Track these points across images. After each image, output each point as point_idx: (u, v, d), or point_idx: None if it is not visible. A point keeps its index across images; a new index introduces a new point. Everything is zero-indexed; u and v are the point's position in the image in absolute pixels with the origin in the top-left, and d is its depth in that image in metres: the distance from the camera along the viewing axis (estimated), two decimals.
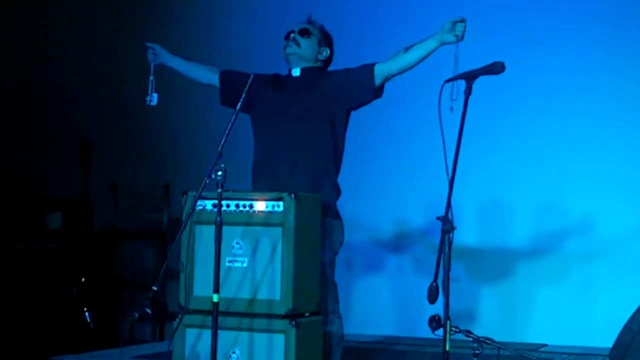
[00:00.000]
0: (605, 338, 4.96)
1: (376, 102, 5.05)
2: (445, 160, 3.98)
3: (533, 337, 6.61)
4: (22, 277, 7.45)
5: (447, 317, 3.91)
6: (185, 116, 7.97)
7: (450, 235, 3.95)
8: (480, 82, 4.12)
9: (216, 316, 4.18)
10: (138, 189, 8.22)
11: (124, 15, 8.47)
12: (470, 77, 4.10)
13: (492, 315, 6.74)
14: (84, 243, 7.90)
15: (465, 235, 6.39)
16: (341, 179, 5.05)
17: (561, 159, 6.74)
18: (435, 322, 3.93)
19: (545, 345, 6.50)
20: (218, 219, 4.21)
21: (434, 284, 3.90)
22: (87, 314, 7.43)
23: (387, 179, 7.25)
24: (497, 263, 6.86)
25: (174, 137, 8.17)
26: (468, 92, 4.06)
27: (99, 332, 7.42)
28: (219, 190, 4.21)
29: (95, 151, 8.07)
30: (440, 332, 3.94)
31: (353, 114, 5.08)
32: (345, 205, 5.04)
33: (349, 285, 6.81)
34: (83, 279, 7.59)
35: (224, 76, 5.26)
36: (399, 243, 7.19)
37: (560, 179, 6.72)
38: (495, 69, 4.17)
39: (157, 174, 8.17)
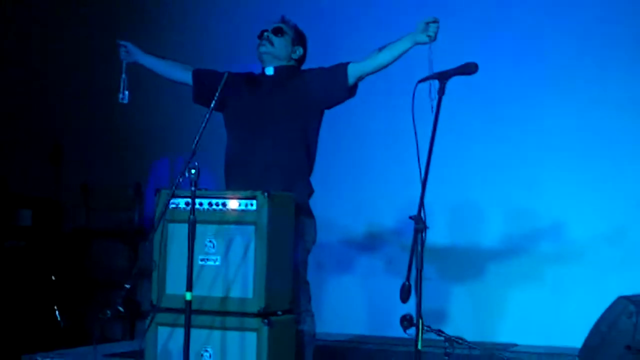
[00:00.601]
0: (575, 338, 4.98)
1: (349, 102, 5.06)
2: (418, 160, 4.00)
3: (504, 336, 6.62)
4: None
5: (419, 316, 3.92)
6: (156, 115, 7.93)
7: (423, 235, 3.97)
8: (453, 83, 4.14)
9: (189, 314, 4.18)
10: (109, 188, 8.17)
11: (94, 15, 8.42)
12: (443, 77, 4.12)
13: (463, 315, 6.75)
14: (55, 241, 7.86)
15: (437, 235, 6.38)
16: (313, 178, 5.05)
17: (534, 161, 6.75)
18: (406, 321, 3.94)
19: (516, 345, 6.51)
20: (191, 217, 4.21)
21: (407, 283, 3.91)
22: (57, 312, 7.39)
23: (359, 179, 7.24)
24: (469, 263, 6.87)
25: (146, 135, 8.12)
26: (441, 92, 4.08)
27: (70, 330, 7.38)
28: (192, 189, 4.20)
29: (66, 151, 8.03)
30: (411, 331, 3.95)
31: (326, 113, 5.09)
32: (317, 204, 5.05)
33: (320, 284, 6.80)
34: (54, 277, 7.55)
35: (197, 74, 5.25)
36: (371, 242, 7.19)
37: (533, 180, 6.73)
38: (469, 69, 4.19)
39: (128, 172, 8.13)
